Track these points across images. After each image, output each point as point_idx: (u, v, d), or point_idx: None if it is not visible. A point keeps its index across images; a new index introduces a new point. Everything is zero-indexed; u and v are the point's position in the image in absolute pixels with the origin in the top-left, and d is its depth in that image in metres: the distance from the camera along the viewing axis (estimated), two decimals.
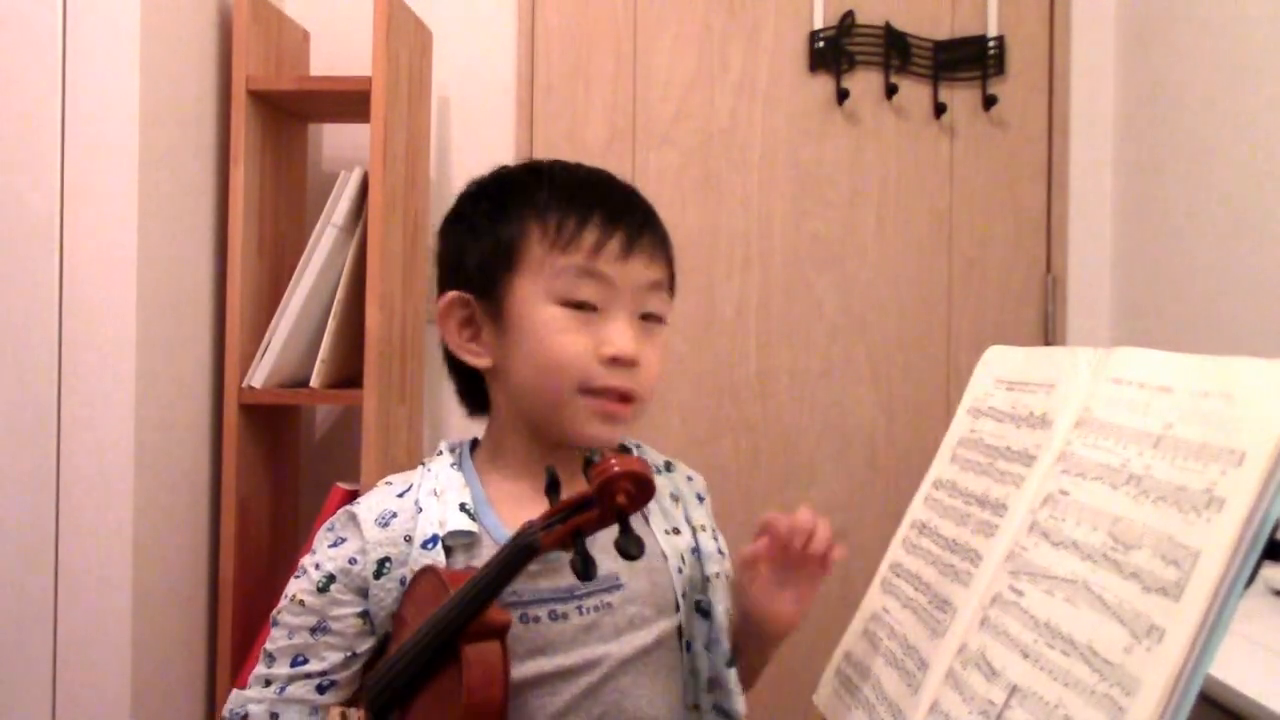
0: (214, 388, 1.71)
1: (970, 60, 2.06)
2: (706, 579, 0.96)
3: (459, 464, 0.95)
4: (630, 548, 0.75)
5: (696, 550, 0.96)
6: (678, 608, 0.93)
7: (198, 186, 1.66)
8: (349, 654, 0.88)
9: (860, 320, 2.07)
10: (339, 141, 2.05)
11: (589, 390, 0.87)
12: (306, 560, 0.91)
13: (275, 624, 0.90)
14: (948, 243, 2.08)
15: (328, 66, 1.97)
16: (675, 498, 0.99)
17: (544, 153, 2.03)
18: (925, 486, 0.87)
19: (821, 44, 2.05)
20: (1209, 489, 0.56)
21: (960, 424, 0.86)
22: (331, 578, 0.88)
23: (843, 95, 2.04)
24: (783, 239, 2.06)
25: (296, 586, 0.90)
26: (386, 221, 1.68)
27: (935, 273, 2.08)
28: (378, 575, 0.88)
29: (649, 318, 0.91)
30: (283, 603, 0.91)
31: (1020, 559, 0.68)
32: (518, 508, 0.88)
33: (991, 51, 2.06)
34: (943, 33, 2.06)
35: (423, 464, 0.97)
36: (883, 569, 0.87)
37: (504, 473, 0.94)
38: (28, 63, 1.42)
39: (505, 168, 0.98)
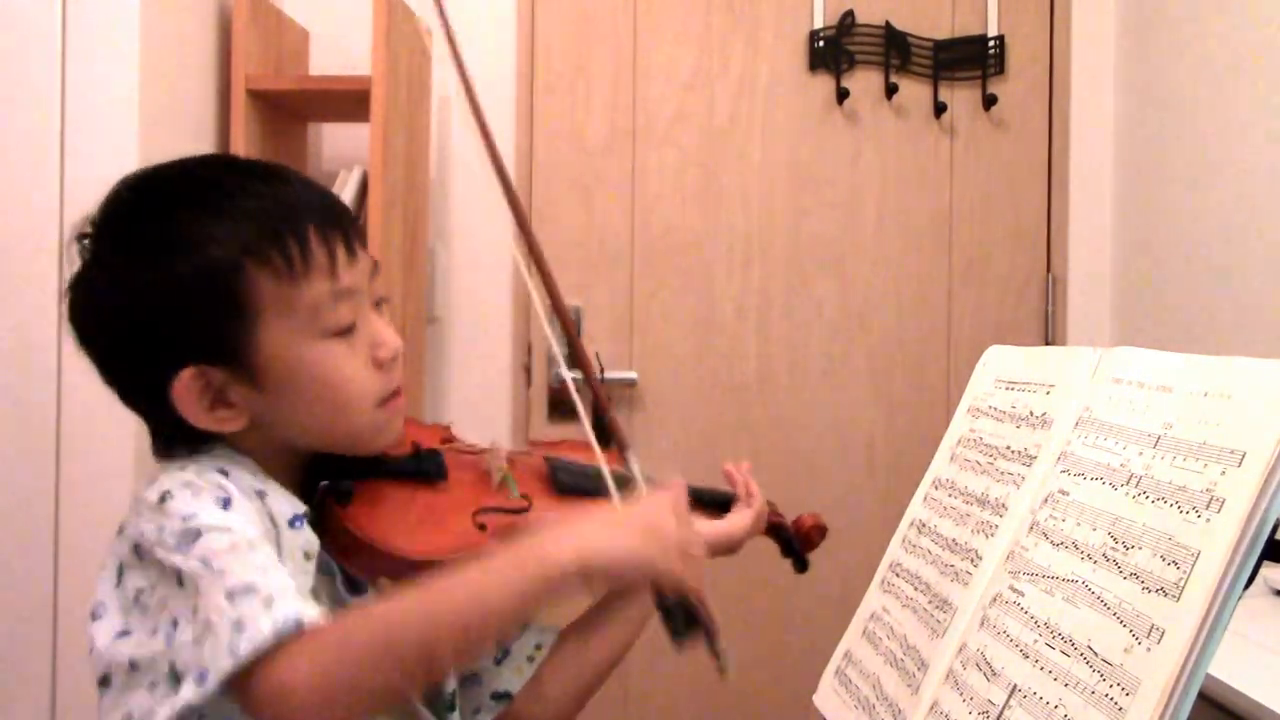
0: None
1: (970, 60, 2.06)
2: None
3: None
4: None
5: None
6: None
7: None
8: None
9: (860, 320, 2.07)
10: (339, 141, 2.05)
11: (382, 402, 0.83)
12: (203, 518, 0.71)
13: (210, 568, 0.69)
14: (948, 243, 2.08)
15: (327, 66, 1.96)
16: None
17: (544, 153, 2.04)
18: (925, 486, 0.87)
19: (821, 43, 2.04)
20: (1209, 489, 0.56)
21: (960, 423, 0.86)
22: (256, 542, 0.72)
23: (842, 95, 2.04)
24: (783, 239, 2.06)
25: (215, 543, 0.70)
26: (386, 221, 1.68)
27: (935, 273, 2.08)
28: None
29: (379, 302, 0.85)
30: (210, 551, 0.69)
31: (1020, 559, 0.68)
32: None
33: (991, 51, 2.06)
34: (943, 32, 2.06)
35: (191, 469, 0.77)
36: (882, 569, 0.87)
37: None
38: (28, 63, 1.42)
39: (136, 192, 0.81)
